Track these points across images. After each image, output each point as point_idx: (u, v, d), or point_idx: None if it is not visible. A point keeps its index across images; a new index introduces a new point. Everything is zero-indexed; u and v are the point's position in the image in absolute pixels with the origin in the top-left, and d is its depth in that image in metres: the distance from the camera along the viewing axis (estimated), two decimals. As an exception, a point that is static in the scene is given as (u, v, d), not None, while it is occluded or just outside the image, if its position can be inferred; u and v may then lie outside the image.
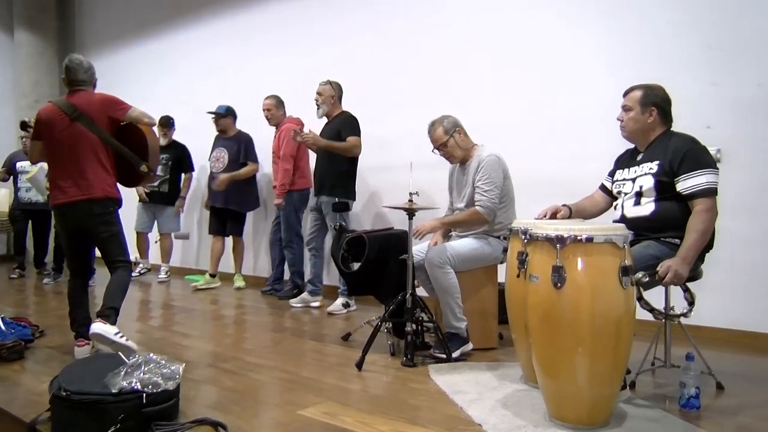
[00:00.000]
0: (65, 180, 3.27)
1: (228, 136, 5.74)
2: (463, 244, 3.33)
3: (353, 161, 4.63)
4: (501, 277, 3.44)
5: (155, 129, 3.63)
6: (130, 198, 6.35)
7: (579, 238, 2.17)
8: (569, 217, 2.83)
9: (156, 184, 6.19)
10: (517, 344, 2.82)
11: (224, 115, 5.70)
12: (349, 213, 4.69)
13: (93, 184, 3.27)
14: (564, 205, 2.86)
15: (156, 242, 6.47)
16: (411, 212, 3.15)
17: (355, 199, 4.69)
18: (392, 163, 4.93)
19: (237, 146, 5.64)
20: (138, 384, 2.24)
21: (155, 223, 6.40)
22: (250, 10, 6.20)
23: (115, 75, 7.87)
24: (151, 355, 2.43)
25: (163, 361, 2.43)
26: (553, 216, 2.79)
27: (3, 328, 3.61)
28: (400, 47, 5.01)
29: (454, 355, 3.14)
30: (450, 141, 3.44)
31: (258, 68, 6.10)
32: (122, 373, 2.28)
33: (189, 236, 6.79)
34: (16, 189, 6.45)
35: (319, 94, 4.65)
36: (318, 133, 4.66)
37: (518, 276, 2.46)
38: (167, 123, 6.20)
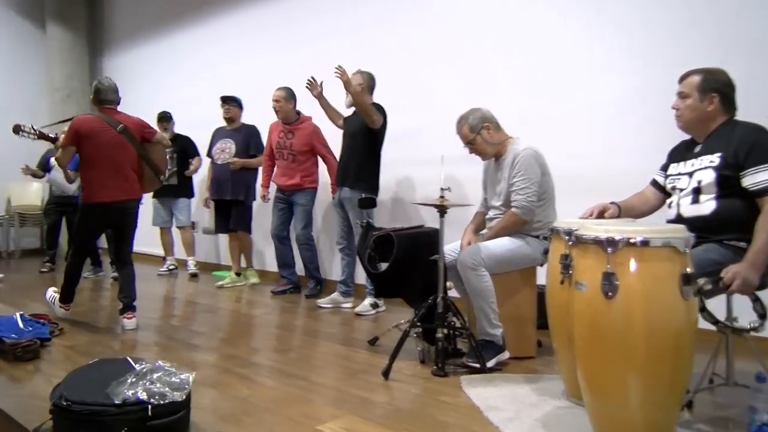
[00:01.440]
0: (109, 180, 3.88)
1: (233, 126, 5.61)
2: (499, 245, 3.07)
3: (377, 153, 4.43)
4: (540, 279, 3.23)
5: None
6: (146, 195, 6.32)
7: (633, 241, 1.91)
8: (618, 217, 2.56)
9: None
10: (558, 355, 2.56)
11: (238, 105, 5.59)
12: (374, 209, 4.46)
13: (133, 186, 4.01)
14: (612, 203, 2.58)
15: (177, 236, 6.40)
16: (442, 209, 2.92)
17: (377, 194, 4.49)
18: (422, 157, 4.69)
19: (245, 137, 5.52)
20: (143, 394, 2.07)
21: (172, 217, 6.33)
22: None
23: (141, 67, 7.86)
24: (160, 362, 2.25)
25: (173, 369, 2.26)
26: (600, 215, 2.52)
27: (21, 325, 3.52)
28: (429, 35, 4.75)
29: (489, 364, 2.90)
30: (477, 139, 3.19)
31: (281, 59, 5.91)
32: (128, 381, 2.11)
33: (214, 231, 6.67)
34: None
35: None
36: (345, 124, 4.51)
37: (562, 282, 2.20)
38: (165, 118, 6.13)
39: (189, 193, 6.33)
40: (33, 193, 8.04)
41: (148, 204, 6.26)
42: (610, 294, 1.90)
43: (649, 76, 3.59)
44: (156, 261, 7.01)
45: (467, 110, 3.22)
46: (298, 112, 5.09)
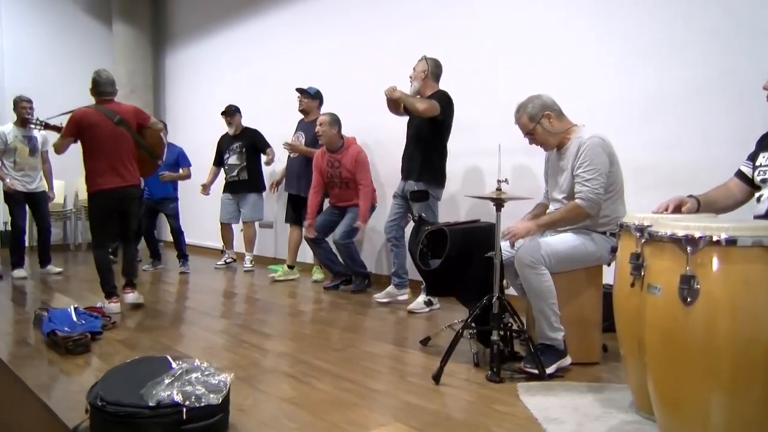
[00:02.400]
0: (109, 170, 4.08)
1: (309, 119, 5.49)
2: (561, 241, 2.84)
3: (443, 145, 4.24)
4: (606, 278, 2.98)
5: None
6: (216, 190, 6.36)
7: (717, 239, 1.66)
8: (697, 212, 2.28)
9: (235, 173, 6.10)
10: (626, 363, 2.32)
11: (312, 96, 5.48)
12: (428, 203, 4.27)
13: (134, 174, 4.24)
14: (690, 196, 2.31)
15: (240, 231, 6.38)
16: (499, 203, 2.71)
17: (443, 187, 4.30)
18: (476, 147, 4.49)
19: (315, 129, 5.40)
20: (179, 396, 1.98)
21: (240, 213, 6.30)
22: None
23: (203, 62, 7.93)
24: (197, 362, 2.16)
25: (212, 369, 2.16)
26: (677, 210, 2.26)
27: (74, 318, 3.54)
28: (489, 21, 4.51)
29: (549, 371, 2.68)
30: (538, 128, 2.94)
31: (345, 49, 5.79)
32: (164, 382, 2.03)
33: (273, 225, 6.67)
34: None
35: (413, 69, 4.31)
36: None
37: (632, 285, 1.97)
38: (229, 111, 6.08)
39: (259, 187, 6.24)
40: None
41: (216, 199, 6.33)
42: (689, 299, 1.67)
43: (729, 58, 3.26)
44: (214, 254, 7.08)
45: (526, 98, 2.98)
46: (342, 137, 4.96)
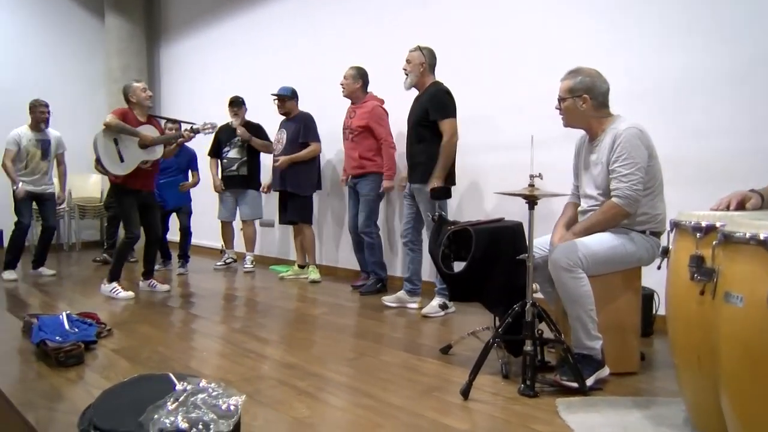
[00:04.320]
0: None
1: (291, 117, 5.34)
2: (599, 241, 2.59)
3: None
4: (644, 281, 2.76)
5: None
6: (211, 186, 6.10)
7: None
8: (761, 208, 2.05)
9: (234, 167, 5.84)
10: (681, 376, 2.08)
11: (290, 97, 5.31)
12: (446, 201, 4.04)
13: None
14: (752, 191, 2.07)
15: (240, 230, 6.12)
16: (532, 200, 2.46)
17: (454, 184, 4.05)
18: (499, 141, 4.25)
19: (296, 126, 5.24)
20: (184, 423, 1.73)
21: (237, 210, 6.04)
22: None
23: (197, 55, 7.66)
24: (202, 382, 1.91)
25: (220, 390, 1.91)
26: (740, 206, 2.02)
27: (66, 326, 3.29)
28: (513, 5, 4.27)
29: (588, 383, 2.44)
30: (568, 102, 2.71)
31: (344, 42, 5.54)
32: (166, 406, 1.78)
33: (274, 224, 6.42)
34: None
35: (407, 61, 4.03)
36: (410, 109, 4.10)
37: (702, 293, 1.72)
38: (236, 102, 5.85)
39: (258, 184, 6.01)
40: (92, 186, 8.01)
41: (214, 197, 6.07)
42: (782, 312, 1.43)
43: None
44: (213, 253, 6.83)
45: (584, 68, 2.73)
46: (366, 93, 4.77)
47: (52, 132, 5.74)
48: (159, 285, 4.95)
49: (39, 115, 5.58)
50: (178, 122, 5.64)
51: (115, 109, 4.74)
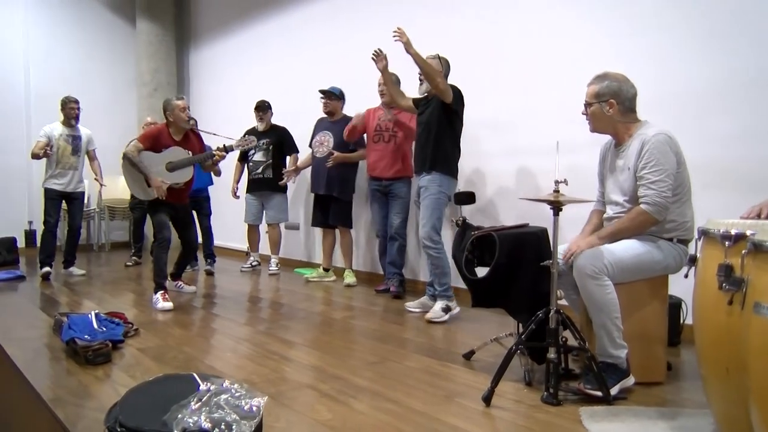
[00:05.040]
0: None
1: (334, 119, 5.34)
2: (625, 248, 2.56)
3: (455, 136, 4.03)
4: (671, 289, 2.72)
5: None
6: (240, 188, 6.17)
7: None
8: (793, 217, 2.01)
9: (260, 170, 5.89)
10: (709, 388, 2.04)
11: (338, 97, 5.33)
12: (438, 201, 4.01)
13: None
14: (784, 199, 2.03)
15: (265, 233, 6.17)
16: (558, 206, 2.44)
17: (456, 181, 4.08)
18: (519, 146, 4.23)
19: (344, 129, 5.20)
20: (207, 423, 1.75)
21: (264, 213, 6.10)
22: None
23: (226, 59, 7.76)
24: (226, 383, 1.93)
25: (243, 391, 1.93)
26: (772, 214, 1.98)
27: (95, 325, 3.36)
28: (540, 7, 4.25)
29: (613, 392, 2.41)
30: (595, 107, 2.68)
31: (374, 45, 5.55)
32: (190, 406, 1.80)
33: (299, 227, 6.46)
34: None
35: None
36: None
37: (731, 302, 1.69)
38: (261, 107, 5.91)
39: (284, 187, 6.04)
40: (122, 187, 8.12)
41: (240, 200, 6.14)
42: (813, 324, 1.40)
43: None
44: (238, 256, 6.90)
45: (614, 72, 2.71)
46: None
47: (83, 129, 5.89)
48: (185, 286, 4.96)
49: (69, 111, 5.75)
50: (216, 135, 5.35)
51: (147, 130, 4.74)
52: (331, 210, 5.32)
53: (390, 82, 4.33)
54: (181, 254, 4.90)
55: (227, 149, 4.58)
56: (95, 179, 6.10)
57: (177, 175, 4.47)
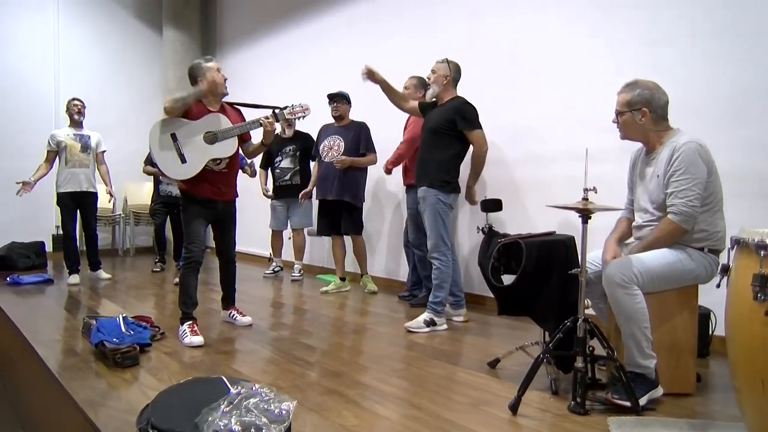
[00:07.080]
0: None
1: (342, 123, 5.33)
2: (655, 257, 2.54)
3: (460, 147, 3.97)
4: (701, 299, 2.68)
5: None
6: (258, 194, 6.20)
7: None
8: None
9: (288, 177, 5.93)
10: (743, 400, 2.01)
11: (347, 101, 5.34)
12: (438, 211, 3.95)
13: None
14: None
15: (289, 239, 6.21)
16: (587, 213, 2.43)
17: (458, 194, 4.02)
18: (545, 154, 4.21)
19: (355, 134, 5.21)
20: (237, 426, 1.77)
21: (288, 219, 6.13)
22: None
23: (251, 66, 7.85)
24: (255, 386, 1.95)
25: (272, 394, 1.95)
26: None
27: (123, 328, 3.40)
28: (561, 12, 4.24)
29: (641, 402, 2.38)
30: (626, 116, 2.67)
31: (395, 51, 5.59)
32: (220, 409, 1.82)
33: (315, 232, 6.49)
34: (157, 182, 6.47)
35: (432, 71, 4.03)
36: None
37: (767, 313, 1.67)
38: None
39: (310, 194, 6.01)
40: (146, 193, 8.23)
41: (261, 205, 6.18)
42: None
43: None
44: (260, 261, 6.95)
45: (645, 80, 2.69)
46: None
47: (91, 132, 5.92)
48: (239, 317, 4.01)
49: (72, 107, 5.80)
50: (258, 107, 4.33)
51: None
52: (342, 217, 5.26)
53: (388, 88, 4.21)
54: (221, 272, 4.03)
55: (277, 116, 3.82)
56: (107, 192, 5.98)
57: (218, 148, 3.62)
